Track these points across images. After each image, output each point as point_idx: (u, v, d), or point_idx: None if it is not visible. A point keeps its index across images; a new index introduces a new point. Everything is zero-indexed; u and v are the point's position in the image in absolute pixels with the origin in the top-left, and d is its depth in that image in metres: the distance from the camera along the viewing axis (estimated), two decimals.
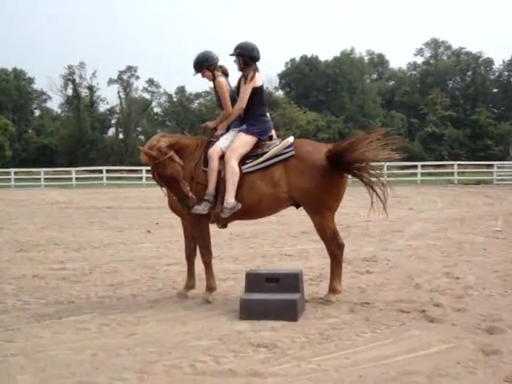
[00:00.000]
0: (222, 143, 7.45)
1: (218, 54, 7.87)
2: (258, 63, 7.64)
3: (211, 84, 7.97)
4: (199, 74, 7.91)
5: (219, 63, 7.89)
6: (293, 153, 7.27)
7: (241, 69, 7.60)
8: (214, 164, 7.29)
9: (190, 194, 7.10)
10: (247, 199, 7.32)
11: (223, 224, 7.58)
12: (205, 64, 7.76)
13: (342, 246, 7.43)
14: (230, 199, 7.22)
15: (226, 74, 7.87)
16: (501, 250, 11.18)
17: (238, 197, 7.28)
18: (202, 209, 7.23)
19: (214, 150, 7.36)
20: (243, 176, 7.31)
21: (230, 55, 7.63)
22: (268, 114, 7.80)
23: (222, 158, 7.34)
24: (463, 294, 7.57)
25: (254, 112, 7.54)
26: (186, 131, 8.08)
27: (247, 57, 7.56)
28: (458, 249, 11.32)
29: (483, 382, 4.65)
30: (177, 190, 7.13)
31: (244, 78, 7.45)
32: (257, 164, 7.35)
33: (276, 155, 7.31)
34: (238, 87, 7.57)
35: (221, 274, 8.68)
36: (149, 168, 7.54)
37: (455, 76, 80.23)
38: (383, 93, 77.53)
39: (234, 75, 7.78)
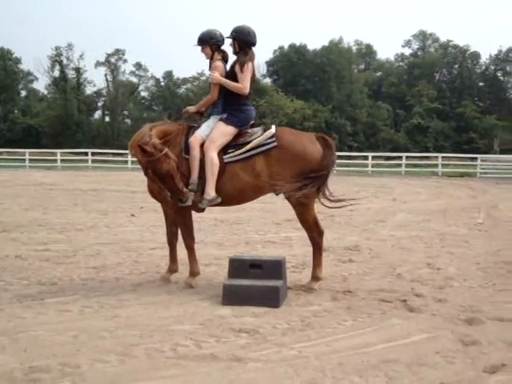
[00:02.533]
0: (202, 131, 7.40)
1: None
2: (254, 48, 7.61)
3: (207, 62, 7.86)
4: (199, 48, 7.79)
5: (222, 47, 7.78)
6: (275, 144, 7.26)
7: (235, 52, 7.57)
8: (196, 152, 7.24)
9: (185, 189, 7.06)
10: (228, 189, 7.33)
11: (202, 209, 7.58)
12: (209, 41, 7.66)
13: (323, 233, 7.55)
14: (210, 191, 7.22)
15: (225, 60, 7.77)
16: (482, 242, 11.29)
17: (219, 186, 7.28)
18: (188, 200, 7.20)
19: (195, 138, 7.32)
20: (225, 165, 7.29)
21: (226, 37, 7.60)
22: (250, 103, 7.78)
23: (203, 145, 7.33)
24: (444, 285, 7.65)
25: (236, 101, 7.50)
26: (166, 117, 8.03)
27: (242, 41, 7.52)
28: (441, 240, 11.41)
29: (462, 372, 4.70)
30: (171, 186, 7.05)
31: (240, 66, 7.40)
32: (238, 154, 7.33)
33: (258, 146, 7.30)
34: (231, 72, 7.51)
35: (204, 260, 8.70)
36: None
37: (442, 68, 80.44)
38: (370, 83, 77.55)
39: (231, 59, 7.75)
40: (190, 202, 7.22)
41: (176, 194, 7.08)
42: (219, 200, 7.28)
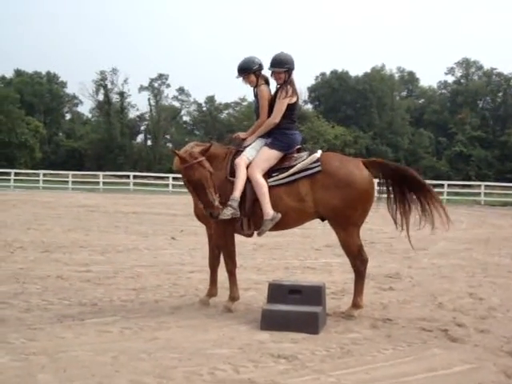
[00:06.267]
0: (248, 152, 7.42)
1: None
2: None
3: (251, 90, 7.85)
4: (240, 78, 7.76)
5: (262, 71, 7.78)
6: (319, 168, 7.21)
7: (281, 83, 7.53)
8: (242, 172, 7.23)
9: (216, 204, 7.00)
10: None
11: (249, 234, 7.57)
12: (252, 69, 7.65)
13: (366, 261, 7.40)
14: (267, 210, 7.15)
15: (267, 83, 7.79)
16: None
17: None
18: (224, 214, 7.12)
19: (241, 159, 7.33)
20: (269, 189, 7.25)
21: (272, 69, 7.51)
22: (296, 127, 7.75)
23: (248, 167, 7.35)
24: (486, 316, 7.50)
25: (282, 126, 7.46)
26: (215, 140, 8.04)
27: (292, 71, 7.54)
28: (483, 270, 11.22)
29: None
30: (203, 197, 7.02)
31: (285, 93, 7.40)
32: (282, 178, 7.30)
33: (302, 170, 7.26)
34: (274, 99, 7.51)
35: (243, 284, 8.67)
36: (175, 175, 7.52)
37: (486, 96, 79.64)
38: (412, 110, 77.28)
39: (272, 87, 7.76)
40: (226, 216, 7.10)
41: (207, 207, 7.04)
42: (279, 216, 7.18)
